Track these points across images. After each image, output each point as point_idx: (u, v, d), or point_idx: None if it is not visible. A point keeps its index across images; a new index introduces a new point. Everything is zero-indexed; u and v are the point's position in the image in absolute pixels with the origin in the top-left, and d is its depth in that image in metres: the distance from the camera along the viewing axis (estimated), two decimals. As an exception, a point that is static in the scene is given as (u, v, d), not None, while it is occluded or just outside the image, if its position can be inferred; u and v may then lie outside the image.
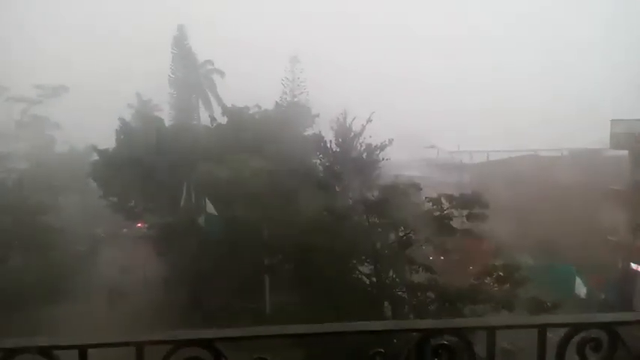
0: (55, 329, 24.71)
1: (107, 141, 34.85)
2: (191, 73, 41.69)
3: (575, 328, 2.09)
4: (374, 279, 17.19)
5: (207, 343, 2.01)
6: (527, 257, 27.26)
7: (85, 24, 72.47)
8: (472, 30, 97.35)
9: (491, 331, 2.08)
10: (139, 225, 37.24)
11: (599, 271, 27.45)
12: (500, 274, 16.18)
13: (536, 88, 74.58)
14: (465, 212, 16.23)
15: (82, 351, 1.99)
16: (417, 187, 18.70)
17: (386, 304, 17.14)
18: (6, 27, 62.64)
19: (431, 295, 16.02)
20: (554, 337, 2.15)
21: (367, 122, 31.67)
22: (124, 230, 41.39)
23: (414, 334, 2.05)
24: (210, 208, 25.10)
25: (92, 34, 69.53)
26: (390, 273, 17.18)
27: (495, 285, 16.19)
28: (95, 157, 36.37)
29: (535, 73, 79.56)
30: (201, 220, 25.99)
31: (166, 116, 40.62)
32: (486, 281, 16.74)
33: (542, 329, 2.11)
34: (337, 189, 21.48)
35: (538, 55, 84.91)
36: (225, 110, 34.81)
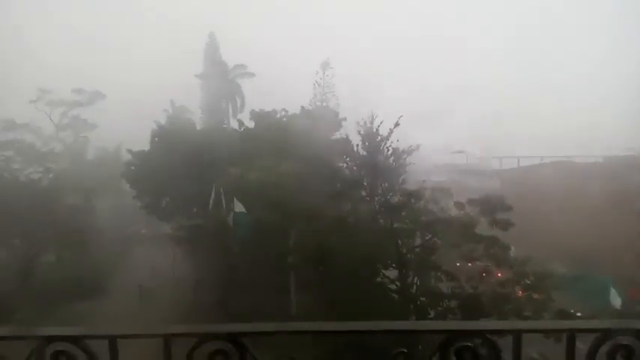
0: (84, 324, 25.50)
1: (142, 144, 35.79)
2: (221, 78, 42.39)
3: (605, 334, 1.97)
4: (398, 284, 17.02)
5: (232, 338, 2.06)
6: (559, 266, 26.47)
7: (121, 32, 74.48)
8: (505, 37, 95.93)
9: (517, 335, 1.99)
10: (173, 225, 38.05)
11: (637, 283, 26.42)
12: (529, 281, 15.75)
13: (572, 94, 72.75)
14: (488, 218, 15.83)
15: (112, 341, 2.07)
16: (446, 192, 18.37)
17: (410, 309, 16.98)
18: (49, 32, 65.36)
19: (454, 303, 15.70)
20: (584, 348, 2.05)
21: (394, 126, 31.44)
22: (149, 231, 42.23)
23: (438, 336, 2.03)
24: (239, 206, 25.44)
25: (128, 41, 71.52)
26: (415, 279, 16.95)
27: (524, 293, 15.76)
28: (129, 158, 37.39)
29: (571, 79, 77.84)
30: (229, 219, 26.37)
31: (198, 120, 41.45)
32: (515, 289, 16.31)
33: (571, 335, 2.00)
34: (363, 193, 21.40)
35: (575, 61, 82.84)
36: (253, 114, 35.21)
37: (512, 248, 19.33)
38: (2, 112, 39.09)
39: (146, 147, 35.94)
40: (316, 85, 39.44)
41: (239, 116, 37.47)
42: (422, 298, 16.67)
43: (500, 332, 2.16)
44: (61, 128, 42.19)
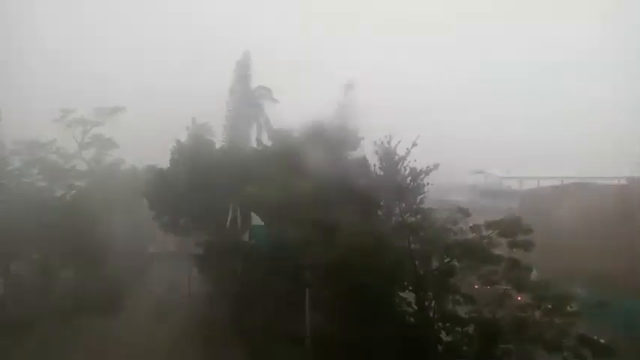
0: (101, 338, 25.83)
1: (163, 161, 36.36)
2: (246, 97, 42.93)
3: None
4: (415, 306, 16.73)
5: None
6: (580, 289, 25.76)
7: (145, 48, 76.39)
8: (523, 57, 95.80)
9: None
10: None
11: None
12: (550, 305, 15.33)
13: (594, 115, 71.82)
14: (509, 240, 15.50)
15: None
16: (465, 213, 18.10)
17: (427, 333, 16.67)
18: (68, 54, 67.46)
19: (472, 328, 15.33)
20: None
21: (412, 146, 31.39)
22: (167, 248, 42.53)
23: None
24: (257, 220, 25.60)
25: (153, 58, 73.24)
26: (432, 303, 16.65)
27: (544, 318, 15.33)
28: (150, 176, 37.98)
29: (594, 102, 77.04)
30: (246, 237, 26.53)
31: (219, 138, 41.92)
32: (536, 313, 15.87)
33: None
34: (380, 212, 21.31)
35: (597, 84, 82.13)
36: (271, 133, 35.52)
37: (534, 271, 18.94)
38: (28, 132, 40.44)
39: (166, 164, 36.46)
40: (338, 105, 39.58)
41: (259, 135, 37.85)
42: (439, 323, 16.34)
43: None
44: (83, 147, 43.24)
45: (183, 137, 37.36)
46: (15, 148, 39.93)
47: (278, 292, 25.11)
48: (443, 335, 16.39)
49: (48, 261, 34.27)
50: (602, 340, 17.24)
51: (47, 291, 31.87)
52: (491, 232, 15.87)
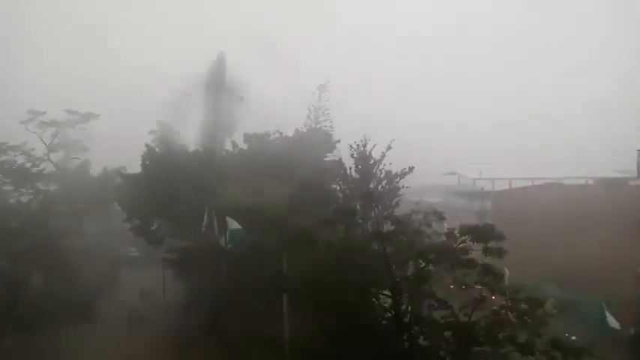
0: (73, 350, 25.13)
1: (133, 166, 35.61)
2: (218, 99, 42.31)
3: None
4: (392, 312, 16.84)
5: None
6: (553, 288, 26.43)
7: (115, 50, 74.69)
8: (502, 59, 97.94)
9: None
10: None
11: (629, 306, 26.40)
12: (523, 307, 15.65)
13: (562, 116, 73.96)
14: (481, 246, 15.79)
15: None
16: (439, 216, 18.24)
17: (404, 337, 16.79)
18: (42, 55, 65.56)
19: (449, 332, 15.50)
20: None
21: (387, 149, 31.72)
22: (139, 254, 41.58)
23: None
24: (234, 224, 25.30)
25: (121, 60, 71.80)
26: (408, 307, 16.78)
27: (518, 319, 15.64)
28: (120, 181, 37.15)
29: (562, 101, 79.30)
30: (222, 241, 26.21)
31: (190, 141, 41.21)
32: (510, 315, 16.17)
33: None
34: (355, 216, 21.39)
35: (566, 83, 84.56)
36: (247, 136, 35.25)
37: (507, 272, 19.25)
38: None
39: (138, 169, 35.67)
40: (311, 107, 39.51)
41: (233, 138, 37.33)
42: (416, 328, 16.49)
43: None
44: (52, 149, 42.04)
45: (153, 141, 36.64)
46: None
47: (256, 297, 24.91)
48: (420, 340, 16.55)
49: (17, 268, 33.12)
50: (573, 338, 17.71)
51: (16, 300, 30.78)
52: (465, 237, 16.11)
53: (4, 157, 39.39)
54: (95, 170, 44.32)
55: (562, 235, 32.29)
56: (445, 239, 16.85)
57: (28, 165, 40.60)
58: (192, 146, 39.18)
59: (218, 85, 41.74)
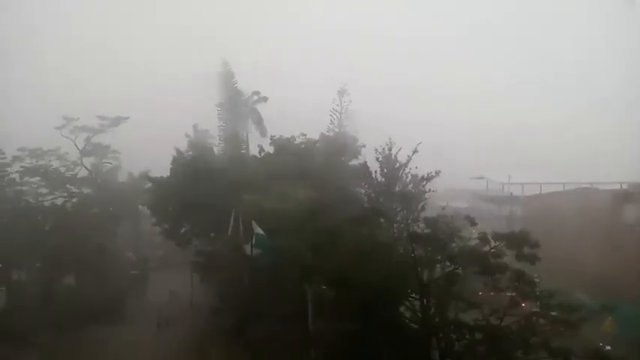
0: (102, 350, 25.69)
1: (164, 170, 36.28)
2: (238, 105, 42.77)
3: None
4: (419, 314, 16.63)
5: None
6: (583, 296, 25.67)
7: (142, 59, 76.39)
8: (530, 62, 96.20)
9: None
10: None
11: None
12: (555, 314, 15.27)
13: (595, 120, 71.87)
14: (514, 252, 15.47)
15: None
16: (470, 221, 18.01)
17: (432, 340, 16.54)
18: (75, 65, 67.80)
19: (478, 336, 15.22)
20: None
21: (413, 153, 31.42)
22: (168, 257, 42.24)
23: None
24: (258, 229, 25.50)
25: (151, 68, 73.27)
26: (436, 310, 16.56)
27: (551, 326, 15.25)
28: (149, 184, 37.89)
29: (594, 106, 77.17)
30: (248, 245, 26.41)
31: (218, 146, 41.78)
32: (542, 321, 15.80)
33: None
34: (382, 220, 21.26)
35: (598, 89, 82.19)
36: (273, 140, 35.52)
37: (538, 280, 18.85)
38: (31, 139, 40.52)
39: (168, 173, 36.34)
40: (333, 111, 39.59)
41: (259, 142, 37.68)
42: (444, 330, 16.24)
43: None
44: (85, 154, 43.25)
45: (184, 146, 37.27)
46: (19, 154, 40.03)
47: (281, 302, 24.94)
48: (449, 343, 16.32)
49: (50, 269, 34.15)
50: (607, 348, 17.15)
51: (49, 300, 31.70)
52: (498, 243, 15.83)
53: (40, 162, 40.84)
54: (122, 174, 45.38)
55: (593, 240, 31.37)
56: (478, 242, 16.62)
57: (63, 169, 41.92)
58: (218, 151, 39.94)
59: (229, 90, 42.27)
